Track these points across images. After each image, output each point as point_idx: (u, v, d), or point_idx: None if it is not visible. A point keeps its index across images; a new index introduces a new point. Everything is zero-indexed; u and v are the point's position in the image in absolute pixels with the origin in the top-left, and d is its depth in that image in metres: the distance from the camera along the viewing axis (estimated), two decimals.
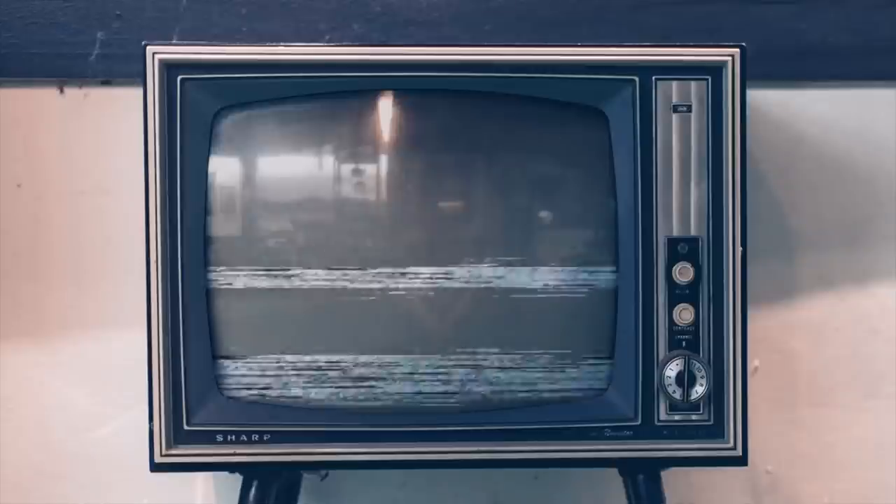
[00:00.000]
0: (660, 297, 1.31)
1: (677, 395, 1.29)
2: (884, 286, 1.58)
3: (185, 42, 1.43)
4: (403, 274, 1.32)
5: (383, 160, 1.33)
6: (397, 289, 1.32)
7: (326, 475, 1.52)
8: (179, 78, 1.28)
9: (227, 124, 1.30)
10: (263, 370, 1.31)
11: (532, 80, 1.30)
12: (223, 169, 1.31)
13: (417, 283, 1.32)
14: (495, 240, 1.32)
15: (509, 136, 1.33)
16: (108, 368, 1.54)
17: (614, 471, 1.37)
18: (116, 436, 1.55)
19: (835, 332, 1.58)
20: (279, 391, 1.31)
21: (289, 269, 1.31)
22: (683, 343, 1.31)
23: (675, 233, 1.30)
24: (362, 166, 1.33)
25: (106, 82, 1.53)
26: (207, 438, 1.30)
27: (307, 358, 1.31)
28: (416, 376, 1.32)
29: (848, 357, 1.58)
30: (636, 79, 1.29)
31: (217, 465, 1.33)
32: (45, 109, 1.54)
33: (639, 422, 1.31)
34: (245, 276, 1.31)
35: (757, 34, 1.51)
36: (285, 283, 1.31)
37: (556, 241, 1.32)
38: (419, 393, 1.32)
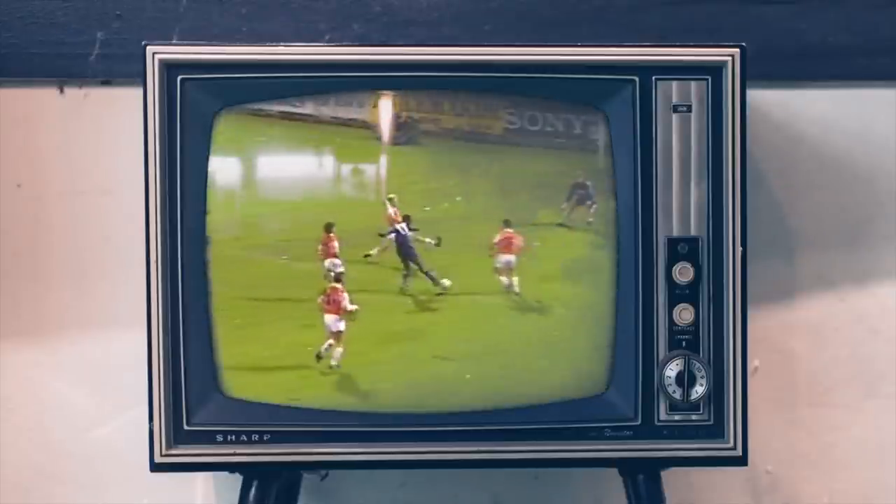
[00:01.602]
0: (660, 297, 1.31)
1: (677, 395, 1.29)
2: (884, 286, 1.58)
3: (185, 42, 1.43)
4: (406, 275, 1.32)
5: (383, 160, 1.33)
6: (398, 290, 1.32)
7: (326, 475, 1.52)
8: (179, 78, 1.28)
9: (228, 124, 1.30)
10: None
11: (532, 80, 1.30)
12: (223, 169, 1.31)
13: (419, 285, 1.32)
14: (495, 238, 1.32)
15: (510, 135, 1.32)
16: (108, 368, 1.54)
17: (614, 471, 1.37)
18: (116, 436, 1.55)
19: (835, 332, 1.58)
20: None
21: (289, 269, 1.32)
22: (683, 343, 1.31)
23: (675, 233, 1.30)
24: (362, 166, 1.33)
25: (106, 82, 1.53)
26: (207, 438, 1.30)
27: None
28: (415, 376, 1.32)
29: (847, 357, 1.58)
30: (636, 79, 1.30)
31: (217, 465, 1.33)
32: (45, 109, 1.54)
33: (639, 422, 1.31)
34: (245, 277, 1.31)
35: (757, 34, 1.51)
36: (286, 285, 1.32)
37: (557, 239, 1.32)
38: (419, 393, 1.32)
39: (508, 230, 1.32)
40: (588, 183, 1.31)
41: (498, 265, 1.32)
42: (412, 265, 1.32)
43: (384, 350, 1.32)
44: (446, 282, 1.32)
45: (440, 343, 1.32)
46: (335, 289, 1.32)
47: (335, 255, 1.32)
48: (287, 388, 1.32)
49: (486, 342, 1.32)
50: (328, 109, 1.32)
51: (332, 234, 1.31)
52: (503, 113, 1.32)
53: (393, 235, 1.32)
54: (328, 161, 1.32)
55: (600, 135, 1.32)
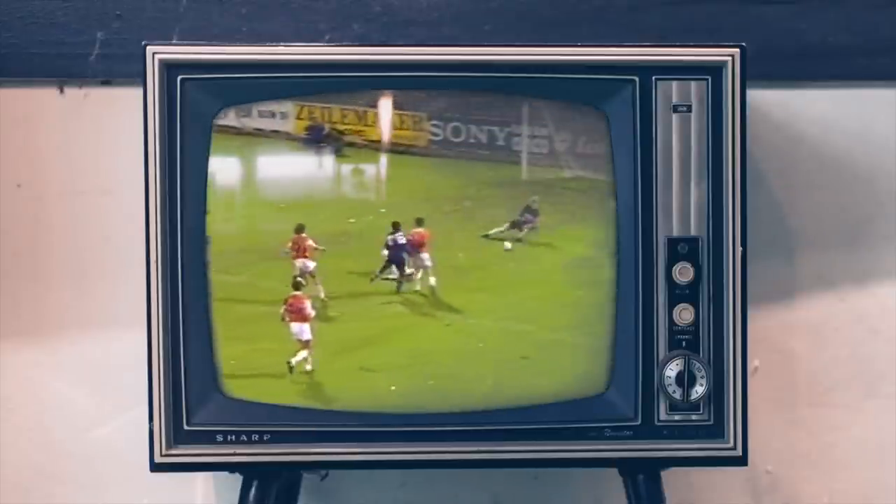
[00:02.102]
0: (660, 297, 1.31)
1: (677, 395, 1.29)
2: (884, 286, 1.58)
3: (185, 42, 1.43)
4: (408, 278, 1.32)
5: (383, 160, 1.33)
6: (398, 290, 1.33)
7: (326, 475, 1.52)
8: (179, 78, 1.28)
9: (228, 124, 1.31)
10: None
11: (532, 80, 1.30)
12: (223, 169, 1.31)
13: (420, 286, 1.33)
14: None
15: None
16: (108, 368, 1.54)
17: (614, 471, 1.37)
18: (116, 436, 1.55)
19: (835, 332, 1.58)
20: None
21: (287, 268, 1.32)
22: (683, 343, 1.31)
23: (675, 233, 1.30)
24: (362, 165, 1.33)
25: (106, 82, 1.53)
26: (207, 438, 1.30)
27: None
28: (415, 376, 1.32)
29: (848, 357, 1.58)
30: (636, 79, 1.30)
31: (217, 465, 1.33)
32: (45, 109, 1.53)
33: (639, 422, 1.31)
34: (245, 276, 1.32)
35: (757, 34, 1.51)
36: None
37: (557, 239, 1.32)
38: (418, 393, 1.32)
39: (419, 229, 1.32)
40: (537, 208, 1.32)
41: (415, 264, 1.33)
42: (393, 268, 1.33)
43: (365, 353, 1.32)
44: (508, 244, 1.32)
45: (395, 351, 1.33)
46: (296, 297, 1.31)
47: (306, 256, 1.32)
48: (280, 390, 1.32)
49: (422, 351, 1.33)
50: (250, 121, 1.32)
51: (303, 235, 1.31)
52: (427, 124, 1.32)
53: (391, 243, 1.32)
54: (328, 160, 1.32)
55: (523, 146, 1.32)
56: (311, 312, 1.31)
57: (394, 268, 1.33)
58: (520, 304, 1.32)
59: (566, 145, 1.32)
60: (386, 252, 1.32)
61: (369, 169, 1.33)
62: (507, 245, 1.32)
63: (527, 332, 1.32)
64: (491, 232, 1.32)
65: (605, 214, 1.32)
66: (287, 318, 1.31)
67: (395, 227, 1.32)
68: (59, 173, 1.54)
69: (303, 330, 1.31)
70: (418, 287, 1.33)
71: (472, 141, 1.32)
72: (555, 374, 1.32)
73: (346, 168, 1.33)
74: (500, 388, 1.32)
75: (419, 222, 1.32)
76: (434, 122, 1.32)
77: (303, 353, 1.31)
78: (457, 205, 1.33)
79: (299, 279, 1.31)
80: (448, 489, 1.57)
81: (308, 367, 1.32)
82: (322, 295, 1.32)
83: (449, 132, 1.32)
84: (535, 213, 1.32)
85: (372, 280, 1.32)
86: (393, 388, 1.32)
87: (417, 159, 1.33)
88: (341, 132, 1.32)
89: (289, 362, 1.31)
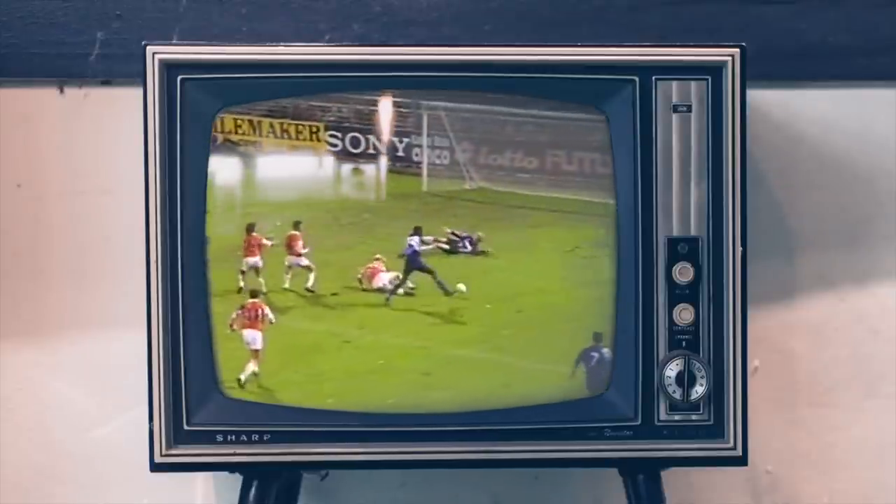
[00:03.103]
0: (660, 297, 1.31)
1: (677, 395, 1.29)
2: (884, 286, 1.58)
3: (185, 42, 1.43)
4: (397, 285, 1.33)
5: (383, 160, 1.33)
6: (397, 290, 1.33)
7: (326, 475, 1.52)
8: (179, 78, 1.28)
9: (227, 124, 1.31)
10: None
11: (532, 80, 1.30)
12: (223, 169, 1.31)
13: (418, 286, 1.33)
14: (495, 237, 1.32)
15: (510, 135, 1.32)
16: (108, 368, 1.54)
17: (614, 471, 1.37)
18: (116, 436, 1.55)
19: (835, 332, 1.58)
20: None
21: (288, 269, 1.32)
22: (683, 343, 1.31)
23: (675, 233, 1.30)
24: (363, 166, 1.33)
25: (106, 82, 1.53)
26: (207, 438, 1.30)
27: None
28: (415, 377, 1.32)
29: (848, 357, 1.58)
30: (636, 79, 1.30)
31: (217, 465, 1.33)
32: (45, 109, 1.53)
33: (639, 422, 1.31)
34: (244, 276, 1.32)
35: (757, 34, 1.51)
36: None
37: (556, 239, 1.33)
38: (418, 393, 1.32)
39: (295, 232, 1.32)
40: (477, 240, 1.32)
41: (288, 264, 1.32)
42: (412, 277, 1.32)
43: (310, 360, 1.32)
44: (462, 286, 1.32)
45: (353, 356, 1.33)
46: (254, 304, 1.31)
47: (254, 254, 1.31)
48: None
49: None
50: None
51: (253, 235, 1.31)
52: (325, 135, 1.32)
53: (409, 252, 1.32)
54: (328, 161, 1.33)
55: (423, 157, 1.32)
56: (272, 318, 1.31)
57: (409, 278, 1.32)
58: (421, 319, 1.32)
59: (468, 156, 1.32)
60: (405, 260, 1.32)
61: (267, 179, 1.33)
62: (462, 287, 1.32)
63: (425, 349, 1.32)
64: (426, 238, 1.32)
65: (511, 223, 1.32)
66: (236, 326, 1.31)
67: (417, 231, 1.32)
68: (59, 173, 1.54)
69: (255, 338, 1.30)
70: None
71: (371, 152, 1.32)
72: (456, 389, 1.32)
73: (242, 177, 1.32)
74: (402, 402, 1.31)
75: (295, 226, 1.31)
76: (331, 132, 1.32)
77: (251, 366, 1.31)
78: (356, 216, 1.32)
79: (244, 284, 1.31)
80: (448, 489, 1.57)
81: (243, 377, 1.31)
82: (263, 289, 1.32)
83: (348, 142, 1.32)
84: (474, 244, 1.32)
85: (387, 299, 1.32)
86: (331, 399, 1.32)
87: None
88: (235, 142, 1.32)
89: (238, 378, 1.31)
